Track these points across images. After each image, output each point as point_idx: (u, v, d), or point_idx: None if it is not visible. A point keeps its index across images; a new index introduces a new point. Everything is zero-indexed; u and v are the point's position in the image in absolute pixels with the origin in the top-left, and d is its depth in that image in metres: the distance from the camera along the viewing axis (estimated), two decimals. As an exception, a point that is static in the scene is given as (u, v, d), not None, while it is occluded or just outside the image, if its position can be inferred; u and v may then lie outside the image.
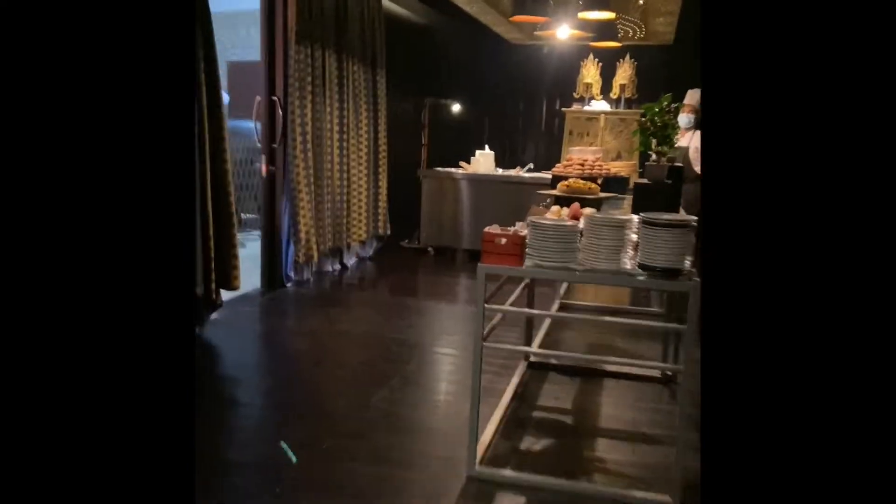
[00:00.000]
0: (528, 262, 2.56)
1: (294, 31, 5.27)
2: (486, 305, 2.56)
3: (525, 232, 2.58)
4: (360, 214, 6.55)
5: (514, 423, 3.14)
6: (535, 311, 3.64)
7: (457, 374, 3.82)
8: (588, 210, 3.11)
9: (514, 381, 3.60)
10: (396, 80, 7.16)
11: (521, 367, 3.81)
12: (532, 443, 2.97)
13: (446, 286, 6.01)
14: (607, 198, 3.58)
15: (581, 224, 2.65)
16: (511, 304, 3.20)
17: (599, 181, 3.83)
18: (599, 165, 3.85)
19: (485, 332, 2.63)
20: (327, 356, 3.97)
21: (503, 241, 2.51)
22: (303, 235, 5.54)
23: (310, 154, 5.60)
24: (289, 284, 5.51)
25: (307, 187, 5.58)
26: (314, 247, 5.70)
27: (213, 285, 4.13)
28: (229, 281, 4.24)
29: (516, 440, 2.97)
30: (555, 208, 3.14)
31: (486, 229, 2.56)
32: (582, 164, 3.83)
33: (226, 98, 7.93)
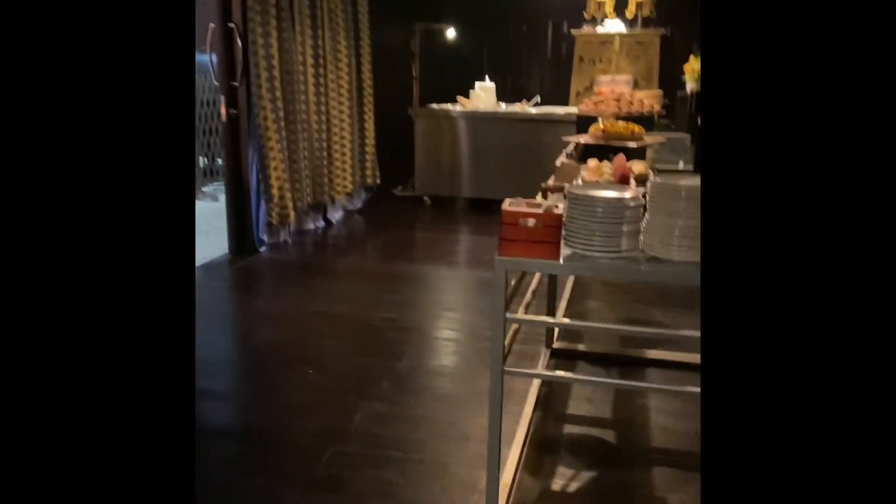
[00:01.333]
0: (566, 251, 1.75)
1: (250, -59, 4.29)
2: (507, 316, 1.76)
3: (562, 208, 1.76)
4: (343, 162, 5.68)
5: (542, 447, 2.40)
6: (577, 323, 2.83)
7: (463, 370, 3.07)
8: (637, 165, 2.28)
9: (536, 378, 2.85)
10: (380, 1, 6.16)
11: (543, 357, 3.06)
12: (567, 479, 2.23)
13: (445, 244, 5.20)
14: (655, 144, 2.73)
15: (633, 191, 1.84)
16: (532, 291, 2.42)
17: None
18: (640, 101, 2.97)
19: (506, 349, 1.84)
20: (300, 350, 3.20)
21: (532, 222, 1.69)
22: (275, 191, 4.70)
23: (278, 93, 4.69)
24: (262, 249, 4.70)
25: (278, 133, 4.70)
26: (290, 204, 4.86)
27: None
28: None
29: (546, 476, 2.23)
30: (593, 163, 2.30)
31: (507, 205, 1.74)
32: (618, 100, 2.94)
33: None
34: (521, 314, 2.21)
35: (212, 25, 4.42)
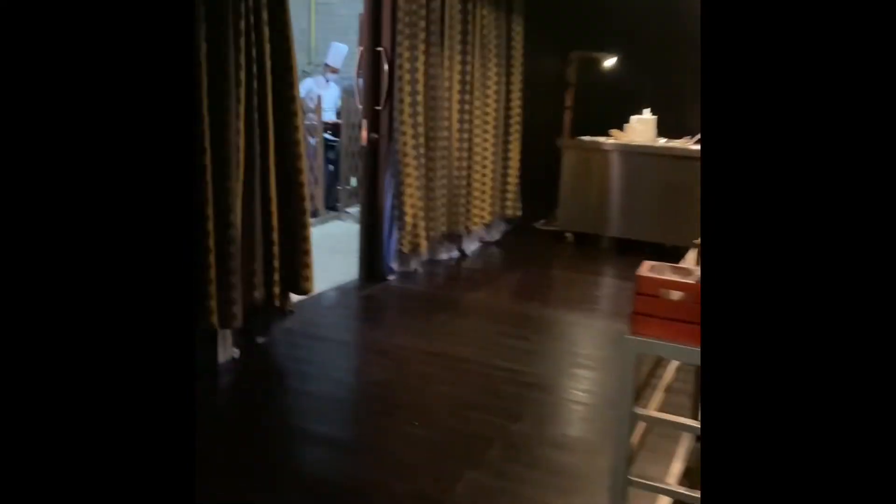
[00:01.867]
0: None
1: (404, -36, 4.21)
2: (636, 411, 1.37)
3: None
4: (483, 192, 5.44)
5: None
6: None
7: (590, 444, 2.66)
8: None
9: (677, 466, 2.38)
10: (537, 28, 5.90)
11: (687, 443, 2.57)
12: None
13: (586, 287, 4.78)
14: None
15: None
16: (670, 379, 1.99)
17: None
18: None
19: (634, 450, 1.45)
20: (409, 396, 2.96)
21: (678, 295, 1.30)
22: (409, 219, 4.55)
23: (421, 118, 4.55)
24: (391, 278, 4.56)
25: (416, 159, 4.56)
26: (423, 233, 4.69)
27: (277, 289, 3.23)
28: (298, 283, 3.32)
29: None
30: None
31: (644, 269, 1.36)
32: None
33: (344, 50, 7.07)
34: (655, 405, 1.79)
35: (360, 49, 4.38)
